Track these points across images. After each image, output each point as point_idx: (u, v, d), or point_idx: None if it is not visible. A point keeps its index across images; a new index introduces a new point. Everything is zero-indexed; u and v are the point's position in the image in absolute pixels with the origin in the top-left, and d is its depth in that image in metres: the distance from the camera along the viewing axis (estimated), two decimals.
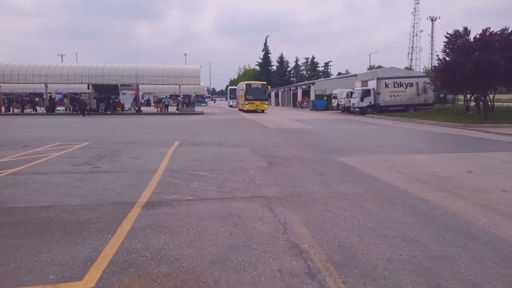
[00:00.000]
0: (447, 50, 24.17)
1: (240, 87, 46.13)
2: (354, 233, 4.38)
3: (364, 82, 35.19)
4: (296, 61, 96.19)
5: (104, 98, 35.83)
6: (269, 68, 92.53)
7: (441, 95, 42.18)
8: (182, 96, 39.42)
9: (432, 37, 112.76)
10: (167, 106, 39.42)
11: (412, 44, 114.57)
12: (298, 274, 3.36)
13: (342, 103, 37.82)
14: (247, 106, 38.72)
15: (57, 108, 38.67)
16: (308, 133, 17.06)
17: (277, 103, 71.58)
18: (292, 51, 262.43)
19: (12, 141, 13.45)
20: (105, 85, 35.79)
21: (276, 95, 73.09)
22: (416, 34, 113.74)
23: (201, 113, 35.92)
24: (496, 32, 21.83)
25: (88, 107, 33.37)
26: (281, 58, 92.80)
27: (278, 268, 3.46)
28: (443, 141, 14.55)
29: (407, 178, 7.35)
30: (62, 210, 5.19)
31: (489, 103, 24.79)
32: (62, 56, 75.82)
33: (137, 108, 38.02)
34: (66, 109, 38.12)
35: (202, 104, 64.95)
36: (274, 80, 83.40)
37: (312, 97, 49.92)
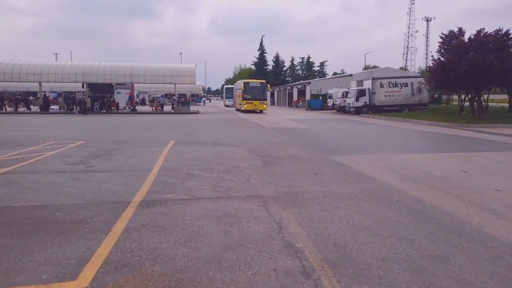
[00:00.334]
0: (442, 51, 24.29)
1: (237, 86, 43.98)
2: (349, 232, 4.39)
3: (360, 82, 35.34)
4: (292, 60, 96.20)
5: (98, 97, 35.65)
6: (265, 67, 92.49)
7: (436, 95, 42.44)
8: (177, 95, 39.19)
9: (427, 37, 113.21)
10: (162, 105, 39.25)
11: (407, 45, 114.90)
12: (293, 273, 3.36)
13: (337, 103, 37.95)
14: (245, 106, 36.86)
15: (51, 107, 38.38)
16: (304, 133, 17.08)
17: (272, 103, 71.62)
18: (287, 51, 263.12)
19: (5, 140, 13.33)
20: (100, 84, 35.57)
21: (272, 94, 73.08)
22: (411, 34, 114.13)
23: (197, 112, 35.82)
24: (490, 33, 21.98)
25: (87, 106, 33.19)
26: (276, 57, 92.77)
27: (273, 268, 3.46)
28: (437, 141, 14.64)
29: (402, 178, 7.38)
30: (56, 210, 5.15)
31: (483, 104, 24.97)
32: (56, 54, 75.38)
33: (132, 107, 37.83)
34: (60, 108, 37.82)
35: (198, 103, 64.81)
36: (270, 80, 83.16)
37: (308, 97, 50.04)
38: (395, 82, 33.12)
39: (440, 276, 3.32)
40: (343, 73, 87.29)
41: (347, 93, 35.23)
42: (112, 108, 35.95)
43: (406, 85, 32.92)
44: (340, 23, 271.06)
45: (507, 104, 29.48)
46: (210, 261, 3.58)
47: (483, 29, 22.27)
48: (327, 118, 29.13)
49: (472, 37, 22.24)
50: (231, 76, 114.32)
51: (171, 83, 36.67)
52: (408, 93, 32.88)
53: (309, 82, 54.21)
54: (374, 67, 71.69)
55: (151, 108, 40.12)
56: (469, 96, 25.60)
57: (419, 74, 45.83)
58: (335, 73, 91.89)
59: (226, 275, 3.31)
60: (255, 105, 36.87)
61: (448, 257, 3.72)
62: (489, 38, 21.60)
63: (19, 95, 42.39)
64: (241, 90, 38.03)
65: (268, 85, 40.35)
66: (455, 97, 32.14)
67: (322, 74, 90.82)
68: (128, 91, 40.32)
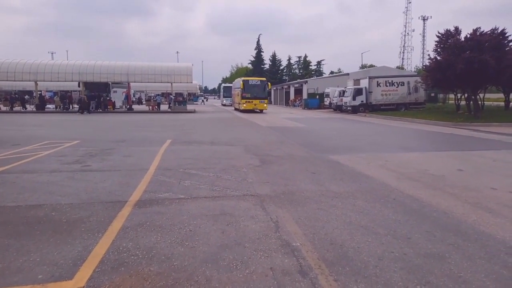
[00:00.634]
0: (438, 50, 24.40)
1: (236, 84, 41.06)
2: (346, 231, 4.40)
3: (356, 81, 35.41)
4: (289, 59, 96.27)
5: (95, 96, 35.48)
6: (262, 66, 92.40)
7: (432, 94, 42.62)
8: (174, 94, 39.05)
9: (423, 36, 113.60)
10: (159, 104, 39.15)
11: (404, 44, 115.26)
12: (290, 272, 3.36)
13: (334, 101, 37.99)
14: (244, 105, 34.39)
15: (47, 106, 38.18)
16: (301, 132, 17.09)
17: (269, 102, 71.61)
18: (284, 50, 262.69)
19: (0, 139, 13.25)
20: (96, 83, 35.48)
21: (269, 93, 73.09)
22: (407, 33, 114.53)
23: (193, 111, 35.75)
24: (486, 32, 22.08)
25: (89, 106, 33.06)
26: (273, 56, 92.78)
27: (270, 266, 3.46)
28: (434, 139, 14.68)
29: (398, 176, 7.40)
30: (52, 209, 5.12)
31: (479, 102, 25.11)
32: (52, 53, 74.90)
33: (128, 106, 37.70)
34: (56, 107, 37.64)
35: (195, 102, 64.65)
36: (267, 79, 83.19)
37: (305, 96, 50.11)
38: (392, 81, 33.22)
39: (436, 274, 3.33)
40: (340, 72, 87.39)
41: (344, 92, 35.29)
42: (109, 107, 35.82)
43: (402, 84, 33.02)
44: (337, 22, 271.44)
45: (503, 103, 29.65)
46: (207, 260, 3.58)
47: (479, 28, 22.39)
48: (324, 117, 29.17)
49: (468, 36, 22.34)
50: (228, 75, 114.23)
51: (168, 82, 36.61)
52: (405, 92, 32.98)
53: (306, 81, 54.29)
54: (371, 66, 71.82)
55: (147, 107, 40.02)
56: (465, 95, 25.72)
57: (416, 73, 45.93)
58: (332, 72, 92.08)
59: (223, 274, 3.31)
60: (255, 105, 34.65)
61: (444, 256, 3.73)
62: (485, 37, 21.71)
63: (14, 94, 42.14)
64: (240, 89, 35.57)
65: (269, 83, 37.74)
66: (452, 96, 32.27)
67: (319, 73, 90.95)
68: (125, 90, 40.17)
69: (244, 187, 6.46)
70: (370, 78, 33.41)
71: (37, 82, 35.28)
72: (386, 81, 33.08)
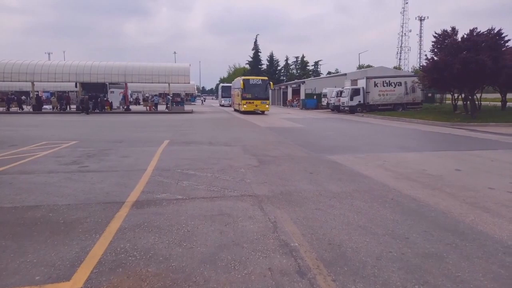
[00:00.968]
0: (435, 50, 24.43)
1: (236, 84, 38.55)
2: (344, 231, 4.40)
3: (354, 81, 35.47)
4: (286, 60, 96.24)
5: (92, 96, 35.38)
6: (259, 67, 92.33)
7: (429, 94, 42.72)
8: (171, 95, 38.98)
9: (420, 37, 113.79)
10: (156, 105, 39.09)
11: (401, 44, 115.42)
12: (288, 272, 3.36)
13: (332, 102, 38.00)
14: (245, 106, 32.13)
15: (44, 106, 38.05)
16: (299, 132, 17.10)
17: None
18: (282, 50, 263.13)
19: None
20: (93, 84, 35.34)
21: None
22: (404, 34, 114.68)
23: (191, 112, 35.71)
24: (483, 32, 22.15)
25: (90, 106, 32.98)
26: (271, 57, 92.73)
27: (268, 267, 3.46)
28: (431, 139, 14.73)
29: (396, 176, 7.41)
30: (49, 210, 5.10)
31: (476, 102, 25.18)
32: (49, 54, 74.93)
33: (125, 107, 37.63)
34: (53, 108, 37.51)
35: (192, 103, 64.55)
36: None
37: (302, 96, 50.11)
38: (389, 81, 33.29)
39: (434, 274, 3.34)
40: (337, 72, 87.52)
41: (341, 92, 35.32)
42: (106, 107, 35.73)
43: (400, 84, 33.09)
44: (334, 23, 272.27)
45: (500, 103, 29.76)
46: (205, 261, 3.57)
47: (476, 28, 22.43)
48: (321, 117, 29.19)
49: (465, 36, 22.39)
50: (226, 75, 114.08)
51: (165, 83, 36.53)
52: (402, 92, 33.05)
53: (304, 82, 54.29)
54: (368, 66, 72.04)
55: (145, 107, 39.94)
56: (462, 95, 25.79)
57: (413, 73, 46.06)
58: (329, 73, 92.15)
59: (221, 275, 3.30)
60: (256, 105, 32.30)
61: (442, 255, 3.74)
62: (482, 37, 21.77)
63: (11, 95, 41.97)
64: (240, 89, 33.19)
65: (271, 83, 35.30)
66: (449, 96, 32.38)
67: (316, 73, 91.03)
68: (122, 90, 40.08)
69: (242, 187, 6.46)
70: (367, 78, 33.45)
71: (34, 83, 35.11)
72: (383, 81, 33.15)
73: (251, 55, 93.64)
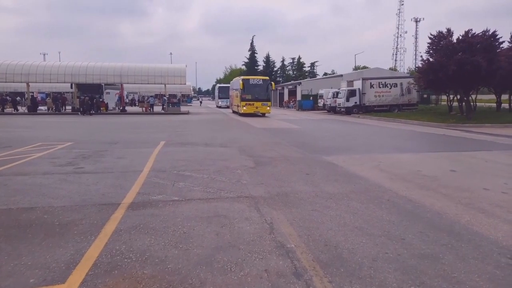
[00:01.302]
0: (431, 51, 24.59)
1: (234, 85, 35.64)
2: (340, 232, 4.40)
3: (350, 83, 35.53)
4: (283, 61, 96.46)
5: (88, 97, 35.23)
6: (256, 68, 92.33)
7: (425, 96, 42.94)
8: (167, 96, 38.86)
9: (416, 38, 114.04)
10: (152, 106, 38.98)
11: (397, 45, 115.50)
12: (285, 274, 3.36)
13: (328, 103, 38.10)
14: (244, 108, 29.94)
15: (39, 107, 37.81)
16: (295, 133, 17.11)
17: None
18: (278, 51, 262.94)
19: None
20: (89, 85, 35.13)
21: None
22: (400, 35, 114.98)
23: (187, 113, 35.64)
24: (478, 34, 22.32)
25: (90, 107, 32.79)
26: (267, 58, 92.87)
27: (265, 268, 3.45)
28: (427, 140, 14.79)
29: (392, 177, 7.43)
30: (44, 212, 5.06)
31: (472, 104, 25.35)
32: (44, 54, 74.31)
33: (121, 108, 37.48)
34: (48, 109, 37.27)
35: (188, 104, 64.42)
36: None
37: (299, 97, 50.15)
38: (385, 82, 33.45)
39: (430, 275, 3.35)
40: (333, 73, 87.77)
41: (337, 93, 35.41)
42: (101, 109, 35.56)
43: (395, 85, 33.25)
44: (331, 24, 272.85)
45: (495, 104, 29.96)
46: (201, 263, 3.55)
47: (471, 30, 22.63)
48: (317, 119, 29.24)
49: (460, 38, 22.55)
50: (222, 76, 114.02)
51: (161, 84, 36.44)
52: (398, 93, 33.21)
53: (300, 83, 54.35)
54: (364, 67, 72.19)
55: (141, 108, 39.81)
56: (458, 96, 25.95)
57: (409, 75, 46.26)
58: (325, 74, 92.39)
59: (217, 277, 3.29)
60: (257, 107, 30.11)
61: (438, 256, 3.75)
62: (477, 39, 21.93)
63: (6, 96, 41.67)
64: (239, 89, 30.77)
65: (272, 83, 33.01)
66: (444, 97, 32.57)
67: (312, 74, 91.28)
68: (118, 91, 39.96)
69: (239, 188, 6.45)
70: (363, 79, 33.58)
71: (29, 84, 34.92)
72: (379, 83, 33.29)
73: (248, 56, 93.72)
